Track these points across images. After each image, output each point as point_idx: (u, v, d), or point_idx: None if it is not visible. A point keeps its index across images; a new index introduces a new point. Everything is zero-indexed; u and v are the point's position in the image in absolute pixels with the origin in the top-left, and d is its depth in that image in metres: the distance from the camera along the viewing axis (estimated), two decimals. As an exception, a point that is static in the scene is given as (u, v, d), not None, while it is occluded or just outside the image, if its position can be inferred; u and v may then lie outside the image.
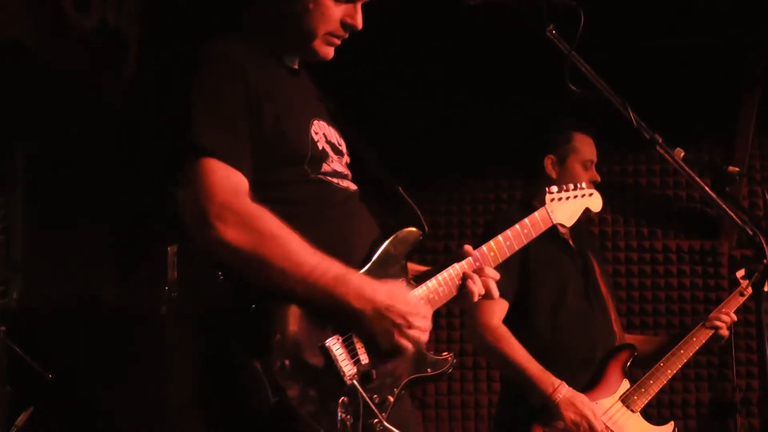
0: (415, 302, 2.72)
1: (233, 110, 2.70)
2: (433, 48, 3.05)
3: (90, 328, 5.86)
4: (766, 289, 3.31)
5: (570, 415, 3.91)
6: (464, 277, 2.97)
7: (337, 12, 2.90)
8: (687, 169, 3.11)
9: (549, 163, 4.34)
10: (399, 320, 2.64)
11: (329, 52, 2.96)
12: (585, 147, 4.38)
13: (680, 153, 3.33)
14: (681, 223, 6.36)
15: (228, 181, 2.61)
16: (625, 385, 4.18)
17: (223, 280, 2.64)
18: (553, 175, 4.32)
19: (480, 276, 2.99)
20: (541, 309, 4.08)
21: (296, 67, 3.02)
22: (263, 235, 2.58)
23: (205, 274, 2.71)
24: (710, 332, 4.36)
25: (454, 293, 2.97)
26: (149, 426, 5.59)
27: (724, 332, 4.36)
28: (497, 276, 3.04)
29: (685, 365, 4.36)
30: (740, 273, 4.50)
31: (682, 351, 4.32)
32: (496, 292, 3.02)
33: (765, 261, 3.04)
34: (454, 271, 2.98)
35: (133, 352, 5.80)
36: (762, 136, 6.37)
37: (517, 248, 3.19)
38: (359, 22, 2.92)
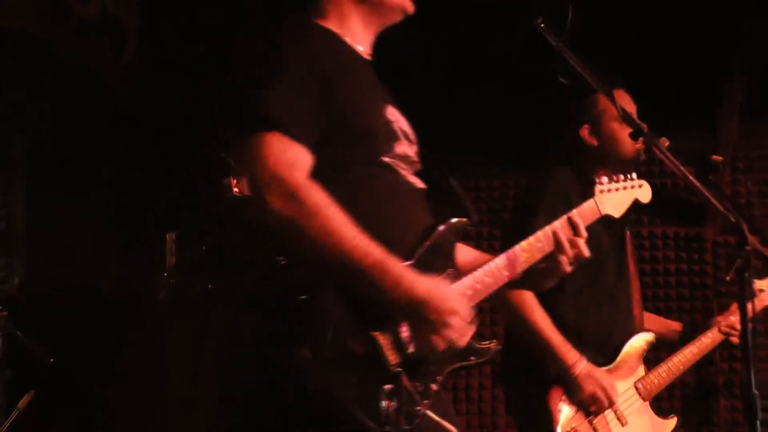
0: (454, 301, 2.67)
1: (301, 88, 2.71)
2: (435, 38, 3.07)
3: (90, 313, 5.87)
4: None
5: (589, 387, 3.90)
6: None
7: None
8: (672, 158, 3.11)
9: (586, 134, 4.25)
10: (434, 317, 2.61)
11: (408, 1, 2.98)
12: (621, 100, 4.22)
13: (665, 142, 3.34)
14: (666, 210, 6.36)
15: (284, 153, 2.62)
16: (641, 371, 4.18)
17: (282, 265, 2.65)
18: (595, 142, 4.24)
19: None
20: (567, 290, 3.97)
21: (369, 57, 3.02)
22: (308, 207, 2.56)
23: (265, 260, 2.71)
24: (722, 336, 4.36)
25: (501, 282, 2.96)
26: (148, 410, 5.60)
27: (735, 340, 4.36)
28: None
29: (672, 349, 4.35)
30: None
31: (696, 350, 4.32)
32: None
33: (747, 248, 3.04)
34: (501, 261, 2.96)
35: (132, 336, 5.81)
36: (745, 125, 6.38)
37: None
38: None
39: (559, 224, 3.05)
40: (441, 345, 2.65)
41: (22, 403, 4.95)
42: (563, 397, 3.93)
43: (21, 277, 6.06)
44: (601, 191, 3.37)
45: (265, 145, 2.61)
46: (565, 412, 3.92)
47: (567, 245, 3.00)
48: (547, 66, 3.02)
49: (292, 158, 2.62)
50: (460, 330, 2.66)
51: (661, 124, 4.13)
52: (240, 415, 2.77)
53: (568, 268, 3.03)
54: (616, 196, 3.42)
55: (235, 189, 5.11)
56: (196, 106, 6.19)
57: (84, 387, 5.61)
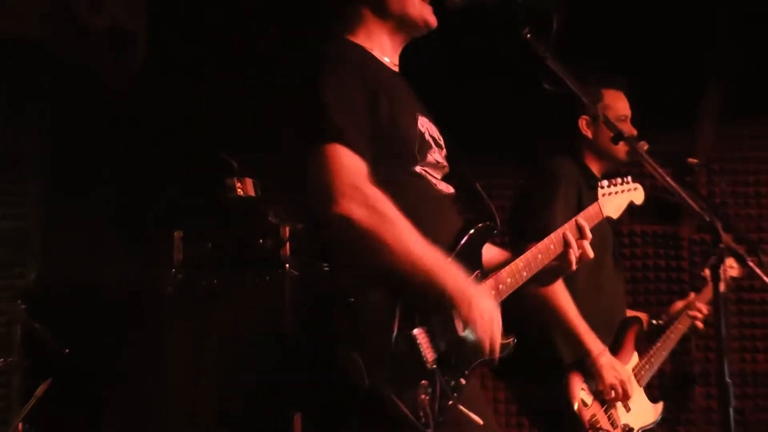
0: (490, 305, 2.72)
1: (357, 103, 2.74)
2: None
3: (101, 306, 5.87)
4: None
5: (610, 378, 3.89)
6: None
7: None
8: (651, 160, 3.12)
9: (584, 124, 4.25)
10: (475, 317, 2.65)
11: (431, 16, 3.01)
12: (617, 103, 4.28)
13: (644, 145, 3.36)
14: (645, 209, 6.37)
15: (355, 164, 2.65)
16: (635, 358, 4.19)
17: (327, 271, 2.70)
18: (589, 134, 4.26)
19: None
20: (572, 283, 3.92)
21: (396, 69, 3.04)
22: (385, 217, 2.60)
23: (311, 265, 2.75)
24: (689, 321, 4.37)
25: (521, 282, 3.01)
26: (155, 395, 5.60)
27: (699, 324, 4.37)
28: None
29: (651, 341, 4.35)
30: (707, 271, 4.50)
31: (672, 335, 4.33)
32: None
33: (721, 245, 3.06)
34: (521, 263, 3.01)
35: (140, 328, 5.82)
36: (721, 129, 6.39)
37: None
38: None
39: (569, 227, 3.10)
40: (485, 341, 2.69)
41: (39, 390, 4.95)
42: (583, 385, 3.93)
43: (37, 273, 6.06)
44: (603, 194, 3.42)
45: (337, 157, 2.64)
46: (584, 399, 3.91)
47: (575, 247, 3.06)
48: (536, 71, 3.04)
49: (363, 171, 2.66)
50: (490, 331, 2.70)
51: (641, 129, 4.18)
52: (287, 407, 2.82)
53: (574, 267, 3.09)
54: (616, 199, 3.47)
55: (239, 190, 5.11)
56: (198, 109, 6.19)
57: (96, 374, 5.61)
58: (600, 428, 3.89)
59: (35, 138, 6.42)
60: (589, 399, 3.92)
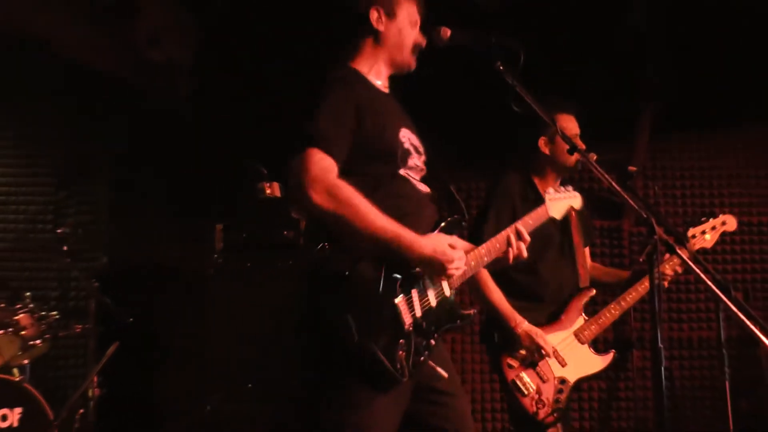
0: (446, 248, 2.77)
1: (342, 118, 2.79)
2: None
3: (157, 284, 5.87)
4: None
5: (526, 343, 3.94)
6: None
7: (411, 33, 3.07)
8: (598, 168, 3.15)
9: (542, 143, 4.24)
10: (442, 258, 2.73)
11: (412, 61, 3.09)
12: (569, 123, 4.26)
13: (593, 156, 3.38)
14: (594, 207, 6.36)
15: (321, 162, 2.69)
16: (581, 321, 4.17)
17: (327, 249, 2.73)
18: (547, 151, 4.24)
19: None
20: (521, 268, 3.92)
21: (386, 89, 3.08)
22: (341, 200, 2.65)
23: (310, 245, 2.79)
24: (643, 291, 4.30)
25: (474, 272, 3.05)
26: (198, 355, 5.60)
27: (665, 283, 4.37)
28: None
29: (595, 311, 4.31)
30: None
31: (628, 298, 4.25)
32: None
33: (655, 237, 3.07)
34: (484, 249, 3.05)
35: (188, 301, 5.82)
36: (654, 142, 6.38)
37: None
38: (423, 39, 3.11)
39: (511, 231, 3.11)
40: (454, 274, 2.79)
41: (109, 352, 4.97)
42: (508, 356, 3.98)
43: (107, 257, 6.06)
44: (550, 200, 3.43)
45: (308, 157, 2.69)
46: (511, 365, 3.98)
47: (514, 247, 3.08)
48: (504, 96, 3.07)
49: (327, 166, 2.70)
50: (461, 262, 2.80)
51: (590, 142, 4.19)
52: (296, 360, 2.84)
53: (511, 263, 3.11)
54: (560, 203, 3.46)
55: (268, 191, 5.13)
56: (236, 125, 6.19)
57: (154, 338, 5.61)
58: (523, 385, 3.94)
59: (105, 150, 6.43)
60: (515, 363, 3.98)
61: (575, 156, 4.13)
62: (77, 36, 5.39)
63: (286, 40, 6.10)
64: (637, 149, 6.30)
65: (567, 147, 4.08)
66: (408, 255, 2.70)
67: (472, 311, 3.00)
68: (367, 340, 2.61)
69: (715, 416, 5.95)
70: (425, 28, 3.12)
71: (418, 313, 2.74)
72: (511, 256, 3.08)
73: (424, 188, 3.00)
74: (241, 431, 5.33)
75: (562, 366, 4.04)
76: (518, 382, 3.95)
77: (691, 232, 4.42)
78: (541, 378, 3.99)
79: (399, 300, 2.70)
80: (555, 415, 3.98)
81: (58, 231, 5.46)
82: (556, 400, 4.00)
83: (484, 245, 3.07)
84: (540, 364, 4.00)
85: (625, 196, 3.14)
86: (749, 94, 6.24)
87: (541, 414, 3.95)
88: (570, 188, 3.55)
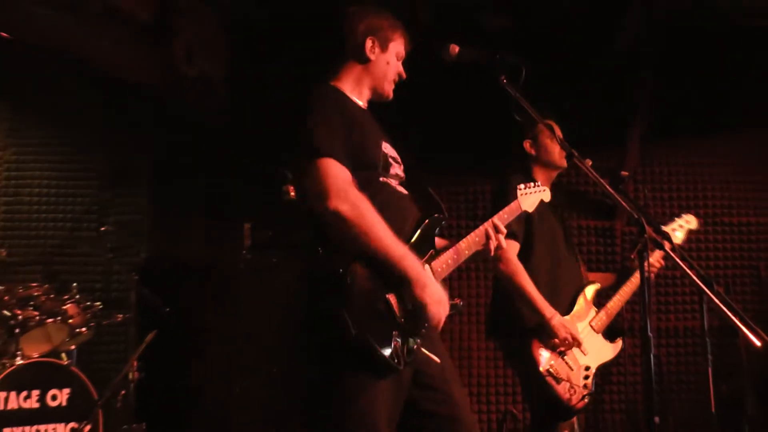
0: (440, 292, 2.72)
1: (338, 129, 2.78)
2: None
3: (192, 277, 5.89)
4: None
5: (561, 333, 3.85)
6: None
7: (396, 66, 3.08)
8: (593, 172, 3.14)
9: (528, 145, 4.20)
10: (430, 299, 2.66)
11: (391, 92, 3.09)
12: (556, 130, 4.21)
13: (589, 162, 3.36)
14: (589, 209, 6.34)
15: (342, 173, 2.69)
16: (593, 312, 4.14)
17: (322, 252, 2.70)
18: (533, 152, 4.20)
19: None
20: (534, 260, 3.96)
21: (365, 107, 3.07)
22: (365, 214, 2.64)
23: (311, 249, 2.75)
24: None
25: (457, 264, 3.01)
26: (228, 341, 5.60)
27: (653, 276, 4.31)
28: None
29: (601, 303, 4.27)
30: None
31: (626, 288, 4.23)
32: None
33: (645, 236, 3.07)
34: (451, 252, 3.00)
35: (220, 293, 5.82)
36: (644, 149, 6.36)
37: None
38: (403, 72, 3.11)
39: (488, 225, 3.10)
40: (433, 317, 2.68)
41: (147, 339, 4.98)
42: (541, 345, 3.90)
43: (146, 253, 6.08)
44: (521, 194, 3.41)
45: (326, 167, 2.67)
46: (543, 355, 3.89)
47: (493, 239, 3.07)
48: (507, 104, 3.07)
49: (349, 178, 2.70)
50: (439, 311, 2.69)
51: (586, 149, 4.16)
52: (299, 348, 2.81)
53: (492, 254, 3.10)
54: (531, 197, 3.44)
55: (291, 194, 5.13)
56: (262, 134, 6.20)
57: (189, 326, 5.61)
58: (556, 373, 3.87)
59: (145, 157, 6.45)
60: (547, 353, 3.89)
61: (562, 153, 4.12)
62: (121, 54, 5.41)
63: (309, 56, 6.11)
64: (629, 156, 6.28)
65: (550, 145, 4.14)
66: (404, 274, 2.66)
67: (457, 301, 2.96)
68: (363, 333, 2.59)
69: (699, 399, 5.94)
70: (434, 46, 3.12)
71: (409, 306, 2.70)
72: (492, 248, 3.07)
73: (404, 191, 2.99)
74: (266, 411, 5.34)
75: (585, 355, 3.99)
76: (552, 371, 3.87)
77: (666, 228, 4.41)
78: (570, 367, 3.93)
79: (390, 295, 2.67)
80: (585, 400, 3.93)
81: (102, 229, 5.49)
82: (584, 386, 3.96)
83: (464, 239, 3.04)
84: (568, 354, 3.95)
85: (618, 199, 3.13)
86: (731, 107, 6.28)
87: (574, 400, 3.88)
88: (539, 183, 3.53)
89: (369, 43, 3.01)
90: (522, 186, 3.44)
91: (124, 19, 5.26)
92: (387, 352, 2.62)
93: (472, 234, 3.06)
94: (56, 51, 5.32)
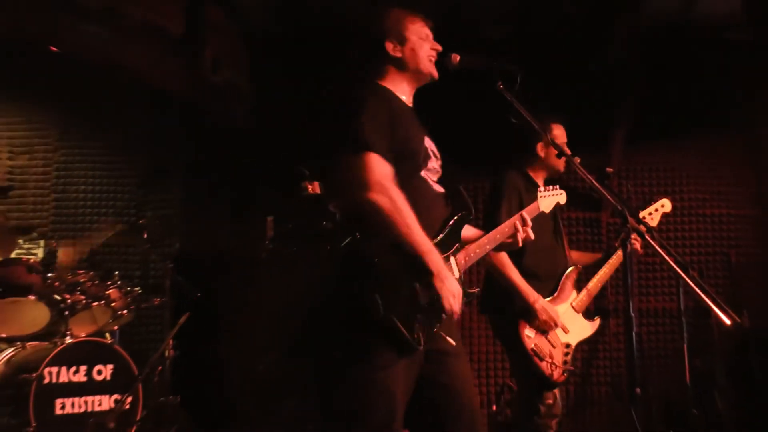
0: (456, 287, 2.70)
1: (384, 125, 2.76)
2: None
3: (220, 265, 5.90)
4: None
5: (543, 316, 3.89)
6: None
7: (424, 46, 3.00)
8: (581, 169, 3.13)
9: (540, 147, 4.21)
10: (446, 293, 2.65)
11: (433, 70, 3.01)
12: (558, 133, 4.26)
13: (578, 159, 3.35)
14: (578, 201, 6.34)
15: (383, 168, 2.68)
16: (574, 294, 4.15)
17: (358, 238, 2.69)
18: (542, 154, 4.21)
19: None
20: (523, 252, 3.91)
21: (410, 104, 3.04)
22: (400, 209, 2.63)
23: (348, 233, 2.74)
24: (616, 262, 4.29)
25: (485, 252, 3.03)
26: (252, 323, 5.61)
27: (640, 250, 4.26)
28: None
29: (581, 286, 4.28)
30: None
31: (605, 270, 4.25)
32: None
33: (627, 226, 3.07)
34: (485, 239, 3.03)
35: (245, 280, 5.83)
36: (627, 148, 6.36)
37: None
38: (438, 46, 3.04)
39: (517, 218, 3.11)
40: (447, 308, 2.67)
41: (181, 320, 5.00)
42: (526, 327, 3.93)
43: (179, 244, 6.10)
44: (541, 196, 3.44)
45: (370, 161, 2.67)
46: (528, 335, 3.92)
47: (520, 231, 3.08)
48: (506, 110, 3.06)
49: (388, 173, 2.69)
50: (452, 305, 2.68)
51: (575, 148, 4.17)
52: (329, 329, 2.81)
53: (520, 245, 3.10)
54: (548, 199, 3.47)
55: (309, 189, 5.13)
56: (283, 136, 6.21)
57: (216, 309, 5.63)
58: (540, 351, 3.90)
59: (177, 158, 6.47)
60: (532, 333, 3.92)
61: (563, 159, 4.13)
62: (156, 65, 5.42)
63: (324, 66, 6.12)
64: (613, 154, 6.28)
65: (557, 152, 4.14)
66: (427, 265, 2.64)
67: (476, 290, 2.99)
68: (390, 315, 2.59)
69: (675, 372, 5.92)
70: (442, 48, 3.09)
71: (432, 294, 2.68)
72: (520, 239, 3.07)
73: (438, 188, 2.97)
74: (286, 385, 5.35)
75: (566, 333, 4.01)
76: (536, 350, 3.90)
77: (641, 214, 4.41)
78: (552, 345, 3.95)
79: (415, 283, 2.67)
80: (565, 375, 3.96)
81: (140, 222, 5.49)
82: (565, 362, 3.97)
83: (496, 229, 3.06)
84: (550, 333, 3.97)
85: (604, 192, 3.12)
86: (705, 111, 6.30)
87: (556, 375, 3.91)
88: (557, 187, 3.54)
89: (389, 45, 2.97)
90: (542, 189, 3.48)
91: (158, 34, 5.29)
92: (410, 332, 2.63)
93: (497, 229, 3.08)
94: (100, 63, 5.34)
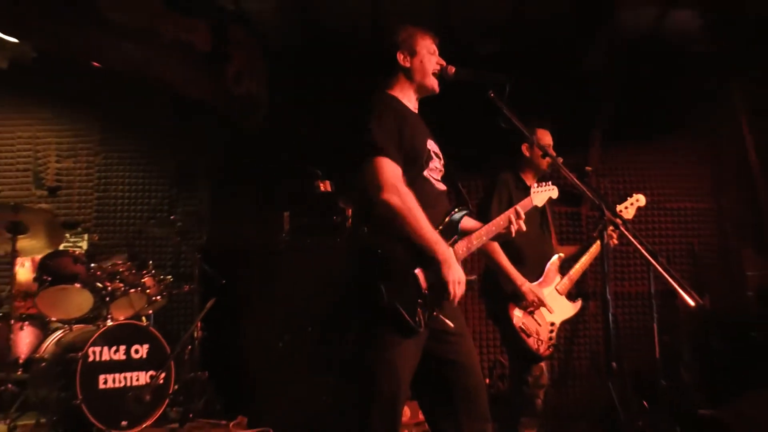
0: (459, 272, 2.69)
1: (392, 130, 2.74)
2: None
3: (243, 256, 5.88)
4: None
5: (530, 297, 3.89)
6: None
7: (431, 60, 2.98)
8: (564, 168, 3.12)
9: (525, 148, 4.19)
10: (452, 279, 2.65)
11: (435, 85, 3.00)
12: (543, 136, 4.23)
13: (560, 159, 3.34)
14: (560, 197, 6.32)
15: (394, 170, 2.67)
16: (558, 278, 4.13)
17: (367, 231, 2.69)
18: (528, 155, 4.19)
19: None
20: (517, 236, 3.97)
21: (416, 110, 3.02)
22: (409, 206, 2.63)
23: (357, 228, 2.74)
24: (596, 250, 4.26)
25: (483, 243, 3.01)
26: (271, 307, 5.60)
27: (614, 241, 4.24)
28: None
29: (564, 272, 4.27)
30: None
31: (585, 258, 4.23)
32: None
33: (605, 218, 3.06)
34: (483, 231, 3.01)
35: (265, 269, 5.82)
36: (604, 149, 6.35)
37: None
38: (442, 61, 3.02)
39: (511, 212, 3.08)
40: (452, 292, 2.66)
41: (208, 305, 5.00)
42: (515, 307, 3.93)
43: (207, 236, 6.10)
44: (534, 192, 3.41)
45: (382, 164, 2.66)
46: (517, 315, 3.92)
47: (514, 223, 3.06)
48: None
49: (399, 175, 2.68)
50: (456, 288, 2.67)
51: (559, 149, 4.16)
52: (342, 313, 2.81)
53: (513, 235, 3.08)
54: (541, 195, 3.44)
55: (322, 187, 5.12)
56: (298, 141, 6.21)
57: (239, 295, 5.62)
58: (527, 329, 3.90)
59: (205, 160, 6.47)
60: (520, 313, 3.92)
61: (547, 159, 4.12)
62: (185, 77, 5.42)
63: (333, 79, 6.12)
64: (592, 154, 6.26)
65: (539, 153, 4.13)
66: (434, 255, 2.64)
67: (473, 277, 2.98)
68: (393, 301, 2.59)
69: (647, 348, 5.92)
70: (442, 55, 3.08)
71: (432, 280, 2.69)
72: (513, 230, 3.05)
73: (441, 187, 2.95)
74: (303, 362, 5.35)
75: (551, 313, 4.00)
76: (524, 327, 3.90)
77: (618, 207, 4.40)
78: (538, 323, 3.95)
79: (418, 270, 2.66)
80: (550, 349, 3.96)
81: (172, 218, 5.50)
82: (550, 338, 3.97)
83: (492, 222, 3.04)
84: (536, 313, 3.96)
85: (583, 189, 3.11)
86: (673, 116, 6.30)
87: (542, 350, 3.91)
88: (550, 183, 3.52)
89: (400, 56, 2.97)
90: (535, 185, 3.45)
91: (188, 51, 5.29)
92: (412, 316, 2.62)
93: (494, 221, 3.06)
94: (136, 76, 5.33)
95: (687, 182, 6.48)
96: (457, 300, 2.70)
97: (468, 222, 3.05)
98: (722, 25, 5.56)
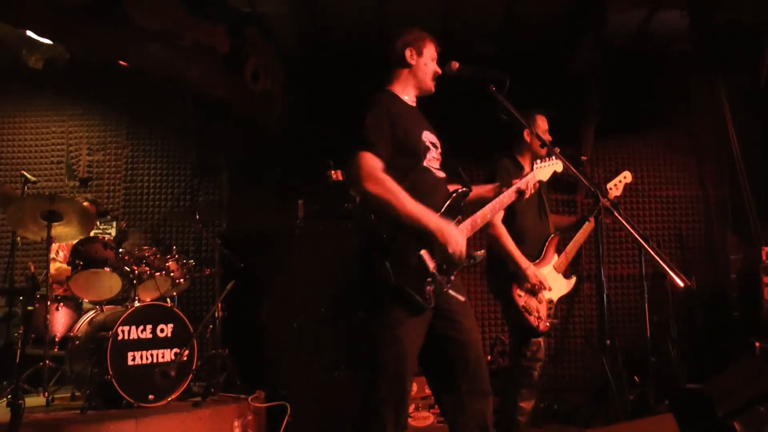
0: (453, 232, 2.68)
1: (382, 127, 2.73)
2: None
3: (259, 241, 5.85)
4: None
5: (533, 279, 3.84)
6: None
7: (433, 66, 3.01)
8: (561, 157, 3.09)
9: (526, 134, 4.12)
10: (444, 239, 2.65)
11: (432, 87, 3.02)
12: (541, 122, 4.17)
13: (557, 149, 3.30)
14: (557, 185, 6.30)
15: (372, 161, 2.66)
16: (555, 257, 4.08)
17: (373, 219, 2.69)
18: (528, 140, 4.12)
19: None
20: (518, 218, 3.96)
21: (413, 104, 3.02)
22: (387, 189, 2.62)
23: (364, 216, 2.74)
24: (592, 225, 4.20)
25: (487, 220, 3.01)
26: (287, 289, 5.59)
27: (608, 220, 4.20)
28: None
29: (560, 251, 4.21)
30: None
31: (579, 236, 4.16)
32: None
33: (599, 204, 3.03)
34: (488, 208, 3.01)
35: (280, 253, 5.79)
36: (597, 140, 6.30)
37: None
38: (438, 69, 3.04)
39: (514, 187, 3.11)
40: (455, 249, 2.66)
41: (228, 287, 4.99)
42: (518, 288, 3.88)
43: (226, 223, 6.09)
44: (538, 167, 3.41)
45: (362, 157, 2.65)
46: (520, 295, 3.87)
47: (529, 188, 3.19)
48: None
49: (376, 164, 2.66)
50: (458, 246, 2.67)
51: (554, 139, 4.11)
52: (353, 293, 2.81)
53: (528, 195, 3.20)
54: (545, 169, 3.43)
55: (333, 177, 5.09)
56: (312, 134, 6.19)
57: (257, 278, 5.60)
58: (528, 307, 3.86)
59: (224, 153, 6.46)
60: (522, 293, 3.88)
61: (545, 148, 4.06)
62: (206, 76, 5.41)
63: (344, 77, 6.09)
64: (586, 145, 6.23)
65: (537, 140, 4.07)
66: (427, 228, 2.63)
67: (480, 253, 2.94)
68: (401, 280, 2.59)
69: (638, 327, 5.93)
70: (442, 62, 3.07)
71: (438, 259, 2.68)
72: (527, 193, 3.17)
73: (440, 174, 2.94)
74: (316, 340, 5.34)
75: (549, 291, 3.96)
76: (526, 306, 3.85)
77: (608, 184, 4.36)
78: (538, 301, 3.91)
79: (423, 251, 2.65)
80: (548, 325, 3.92)
81: (194, 206, 5.47)
82: (549, 315, 3.93)
83: (496, 200, 3.07)
84: (538, 294, 3.92)
85: (579, 176, 3.08)
86: (661, 109, 6.31)
87: (542, 326, 3.87)
88: (553, 158, 3.47)
89: (408, 52, 2.98)
90: (539, 161, 3.43)
91: (208, 52, 5.28)
92: (419, 295, 2.61)
93: (497, 200, 3.07)
94: (160, 75, 5.33)
95: (675, 171, 6.46)
96: (462, 256, 2.68)
97: (481, 187, 3.09)
98: (702, 27, 5.54)
